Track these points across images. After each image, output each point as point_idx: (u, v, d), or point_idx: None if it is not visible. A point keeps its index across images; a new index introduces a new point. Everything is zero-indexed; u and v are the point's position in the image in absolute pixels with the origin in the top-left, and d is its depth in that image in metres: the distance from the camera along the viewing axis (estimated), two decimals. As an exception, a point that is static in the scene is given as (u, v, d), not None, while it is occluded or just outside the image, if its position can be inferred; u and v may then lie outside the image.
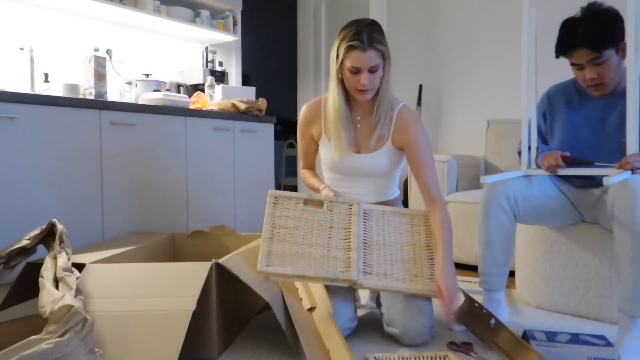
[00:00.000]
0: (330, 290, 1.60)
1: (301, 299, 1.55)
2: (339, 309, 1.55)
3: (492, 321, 1.53)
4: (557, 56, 1.74)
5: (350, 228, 1.58)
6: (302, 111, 1.85)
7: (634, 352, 1.46)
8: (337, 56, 1.60)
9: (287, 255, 1.51)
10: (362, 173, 1.76)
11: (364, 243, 1.61)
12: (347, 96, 1.73)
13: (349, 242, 1.56)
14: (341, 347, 1.35)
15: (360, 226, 1.62)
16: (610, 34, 1.61)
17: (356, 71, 1.58)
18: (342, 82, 1.67)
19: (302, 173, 1.95)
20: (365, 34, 1.55)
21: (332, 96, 1.71)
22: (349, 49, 1.55)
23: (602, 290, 1.80)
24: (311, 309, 1.52)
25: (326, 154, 1.80)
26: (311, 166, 1.95)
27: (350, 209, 1.62)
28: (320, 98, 1.82)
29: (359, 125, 1.76)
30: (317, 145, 1.86)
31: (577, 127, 1.81)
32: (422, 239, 1.65)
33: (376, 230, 1.64)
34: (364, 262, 1.56)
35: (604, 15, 1.63)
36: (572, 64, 1.72)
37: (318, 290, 1.58)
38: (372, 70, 1.58)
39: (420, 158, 1.71)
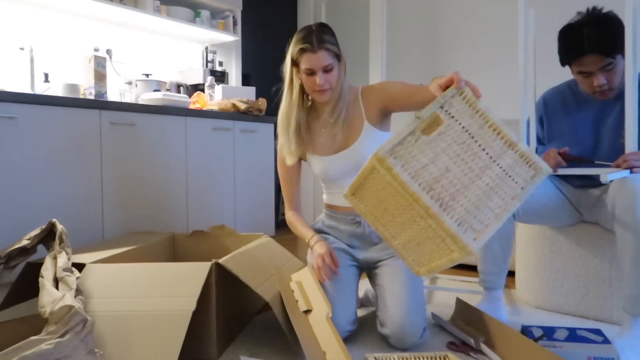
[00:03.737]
0: (332, 293, 1.59)
1: (297, 300, 1.54)
2: (340, 311, 1.54)
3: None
4: (563, 65, 1.71)
5: (489, 120, 1.19)
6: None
7: (635, 351, 1.46)
8: (292, 60, 1.64)
9: (475, 207, 1.13)
10: (354, 170, 1.66)
11: None
12: (310, 104, 1.76)
13: (502, 136, 1.19)
14: (338, 349, 1.34)
15: (491, 111, 1.21)
16: (619, 39, 1.59)
17: (311, 72, 1.61)
18: (301, 88, 1.69)
19: (289, 218, 1.83)
20: (314, 36, 1.59)
21: (283, 102, 1.73)
22: (301, 52, 1.60)
23: (602, 290, 1.80)
24: (307, 312, 1.51)
25: (317, 167, 1.78)
26: (295, 203, 1.85)
27: (462, 95, 1.21)
28: None
29: (323, 130, 1.74)
30: (298, 172, 1.85)
31: (575, 130, 1.81)
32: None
33: None
34: None
35: (611, 20, 1.61)
36: (579, 72, 1.69)
37: (315, 293, 1.57)
38: (326, 70, 1.61)
39: (400, 84, 1.65)
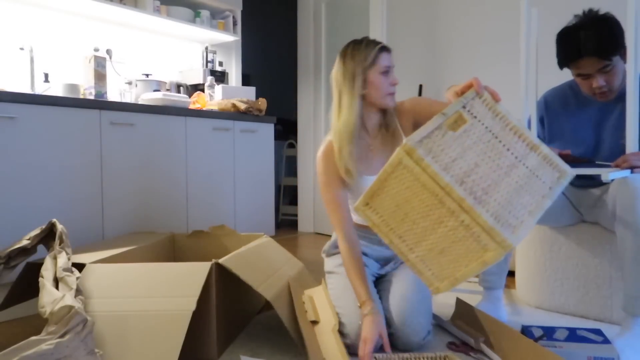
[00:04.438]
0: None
1: (306, 311, 1.54)
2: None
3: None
4: (562, 67, 1.71)
5: (509, 123, 1.19)
6: (321, 157, 1.68)
7: (635, 351, 1.46)
8: (370, 64, 1.60)
9: (508, 203, 1.10)
10: None
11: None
12: (363, 116, 1.68)
13: (524, 139, 1.18)
14: (339, 358, 1.33)
15: (511, 115, 1.22)
16: (616, 40, 1.59)
17: (388, 71, 1.64)
18: (361, 97, 1.63)
19: (343, 255, 1.60)
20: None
21: (348, 112, 1.62)
22: (381, 50, 1.62)
23: (602, 290, 1.80)
24: (314, 322, 1.51)
25: (356, 186, 1.68)
26: (349, 231, 1.62)
27: (482, 99, 1.22)
28: (329, 142, 1.69)
29: (371, 149, 1.71)
30: (346, 191, 1.70)
31: (576, 131, 1.81)
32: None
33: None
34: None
35: (607, 22, 1.61)
36: (578, 75, 1.69)
37: (324, 308, 1.56)
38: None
39: (429, 101, 1.71)
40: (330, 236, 2.14)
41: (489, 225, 1.04)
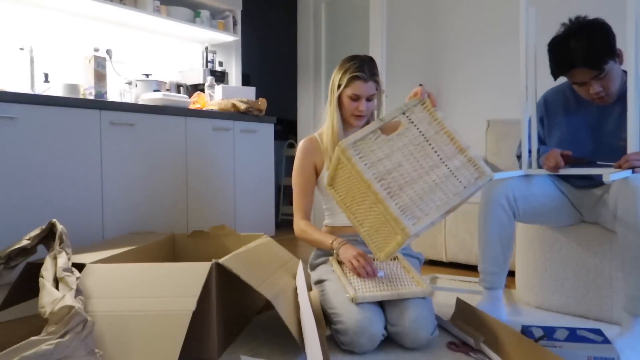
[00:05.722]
0: (363, 305, 1.54)
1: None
2: (375, 317, 1.51)
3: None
4: (555, 78, 1.70)
5: (444, 128, 1.35)
6: (301, 145, 1.89)
7: (636, 351, 1.46)
8: (340, 85, 1.77)
9: (419, 198, 1.27)
10: None
11: None
12: (343, 123, 1.86)
13: (455, 142, 1.33)
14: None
15: (447, 120, 1.38)
16: (606, 48, 1.58)
17: (356, 98, 1.76)
18: (338, 108, 1.82)
19: (301, 227, 1.84)
20: (366, 67, 1.75)
21: (330, 118, 1.83)
22: (354, 78, 1.74)
23: (602, 290, 1.80)
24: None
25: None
26: (308, 214, 1.89)
27: (424, 105, 1.38)
28: (314, 135, 1.92)
29: None
30: (316, 180, 1.89)
31: (576, 131, 1.80)
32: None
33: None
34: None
35: (595, 30, 1.59)
36: (574, 83, 1.69)
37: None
38: (368, 99, 1.78)
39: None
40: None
41: (394, 215, 1.23)
